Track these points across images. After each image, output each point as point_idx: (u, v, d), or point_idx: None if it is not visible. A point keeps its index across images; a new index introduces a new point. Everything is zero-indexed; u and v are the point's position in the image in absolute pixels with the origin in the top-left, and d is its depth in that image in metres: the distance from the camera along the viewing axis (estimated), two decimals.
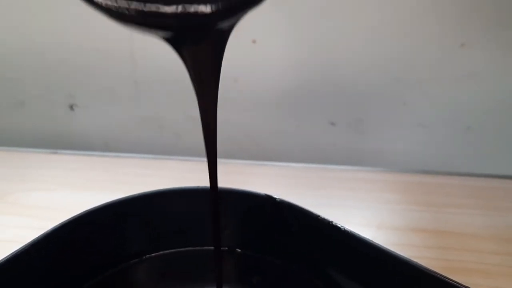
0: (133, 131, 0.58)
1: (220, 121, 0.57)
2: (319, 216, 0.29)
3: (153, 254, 0.32)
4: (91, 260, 0.30)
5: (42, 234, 0.27)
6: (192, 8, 0.17)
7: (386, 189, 0.45)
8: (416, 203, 0.42)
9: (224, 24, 0.19)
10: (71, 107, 0.57)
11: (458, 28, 0.48)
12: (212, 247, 0.28)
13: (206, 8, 0.17)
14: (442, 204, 0.42)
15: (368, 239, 0.27)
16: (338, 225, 0.28)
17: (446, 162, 0.54)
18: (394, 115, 0.53)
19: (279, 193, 0.31)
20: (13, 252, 0.26)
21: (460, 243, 0.37)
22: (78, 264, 0.29)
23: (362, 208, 0.42)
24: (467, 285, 0.26)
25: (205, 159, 0.25)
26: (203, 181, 0.29)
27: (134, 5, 0.17)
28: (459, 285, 0.24)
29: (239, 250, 0.33)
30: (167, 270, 0.32)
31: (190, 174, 0.46)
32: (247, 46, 0.51)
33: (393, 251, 0.26)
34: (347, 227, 0.28)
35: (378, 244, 0.27)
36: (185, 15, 0.17)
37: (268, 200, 0.31)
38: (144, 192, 0.31)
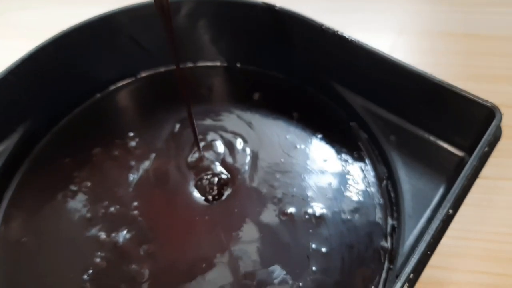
0: None
1: None
2: (323, 25, 0.25)
3: (145, 74, 0.30)
4: (81, 82, 0.28)
5: (20, 57, 0.25)
6: None
7: None
8: (443, 3, 0.37)
9: None
10: None
11: None
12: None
13: None
14: (474, 3, 0.37)
15: (378, 50, 0.24)
16: (345, 35, 0.24)
17: None
18: None
19: None
20: None
21: (490, 48, 0.33)
22: (65, 88, 0.28)
23: (380, 12, 0.37)
24: (493, 92, 0.23)
25: None
26: None
27: None
28: (477, 99, 0.21)
29: (238, 65, 0.30)
30: (161, 88, 0.30)
31: None
32: None
33: (406, 63, 0.23)
34: (356, 37, 0.24)
35: (389, 55, 0.23)
36: None
37: (266, 9, 0.27)
38: (131, 5, 0.28)
